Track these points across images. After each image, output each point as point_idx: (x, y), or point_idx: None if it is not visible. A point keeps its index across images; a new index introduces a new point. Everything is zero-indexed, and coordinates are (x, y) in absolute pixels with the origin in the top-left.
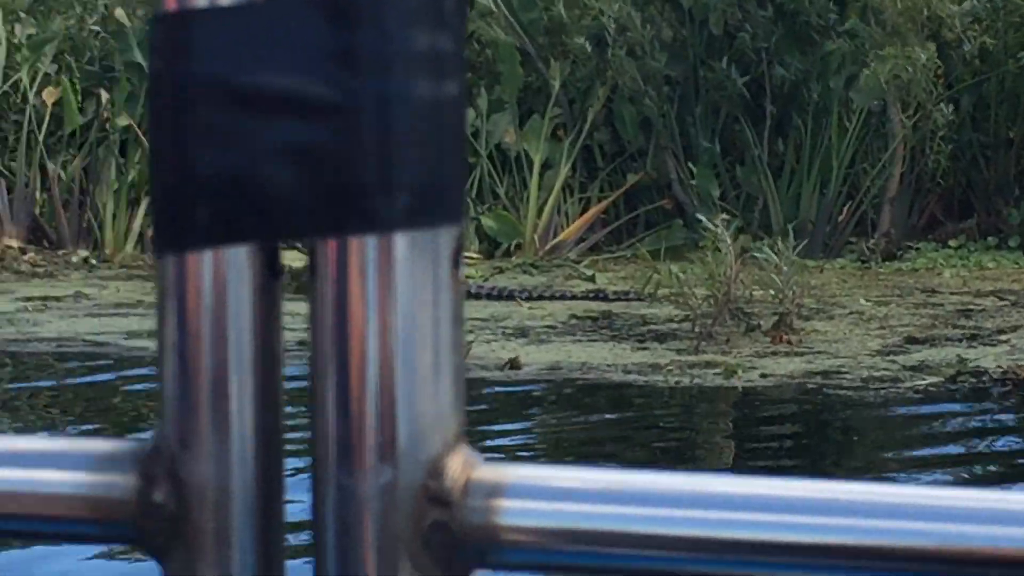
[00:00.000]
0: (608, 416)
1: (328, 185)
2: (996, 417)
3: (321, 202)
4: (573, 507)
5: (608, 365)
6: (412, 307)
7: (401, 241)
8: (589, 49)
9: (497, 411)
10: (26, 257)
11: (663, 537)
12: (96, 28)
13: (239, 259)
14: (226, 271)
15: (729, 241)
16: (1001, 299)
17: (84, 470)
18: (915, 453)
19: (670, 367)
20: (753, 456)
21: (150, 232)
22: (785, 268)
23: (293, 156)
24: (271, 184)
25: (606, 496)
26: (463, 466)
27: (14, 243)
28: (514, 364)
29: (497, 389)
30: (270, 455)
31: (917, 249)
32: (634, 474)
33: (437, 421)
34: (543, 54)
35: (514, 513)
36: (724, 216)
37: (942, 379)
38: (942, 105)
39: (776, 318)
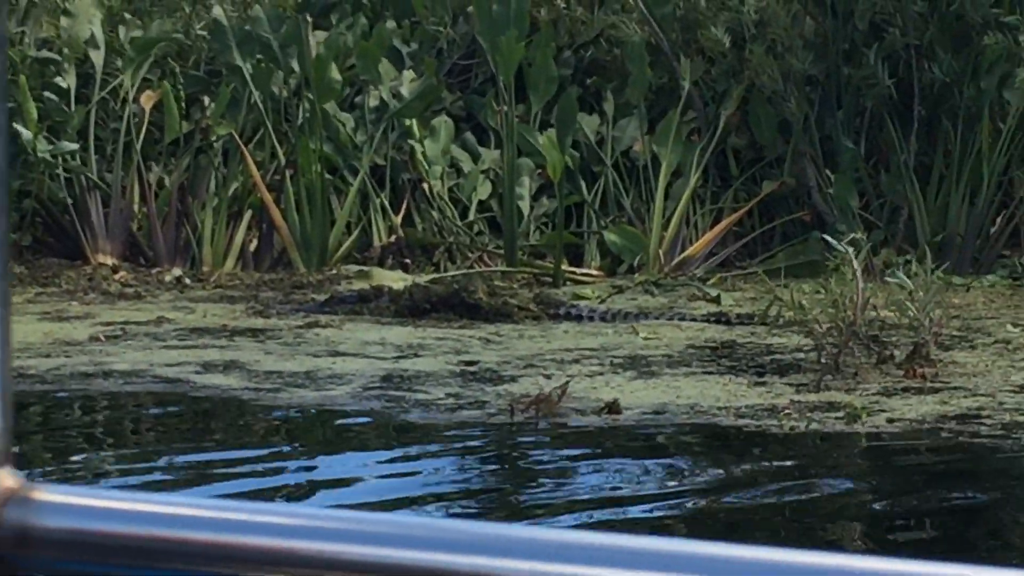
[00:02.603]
0: (701, 479)
1: None
2: None
3: None
4: (100, 524)
5: (719, 408)
6: None
7: None
8: (727, 43)
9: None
10: (117, 276)
11: (178, 550)
12: (203, 32)
13: None
14: None
15: (855, 261)
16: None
17: None
18: None
19: (788, 409)
20: (879, 529)
21: (252, 247)
22: (922, 293)
23: None
24: None
25: (131, 517)
26: (5, 484)
27: (108, 260)
28: (612, 408)
29: (582, 447)
30: None
31: None
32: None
33: None
34: (676, 51)
35: (50, 529)
36: (854, 235)
37: None
38: None
39: (911, 348)
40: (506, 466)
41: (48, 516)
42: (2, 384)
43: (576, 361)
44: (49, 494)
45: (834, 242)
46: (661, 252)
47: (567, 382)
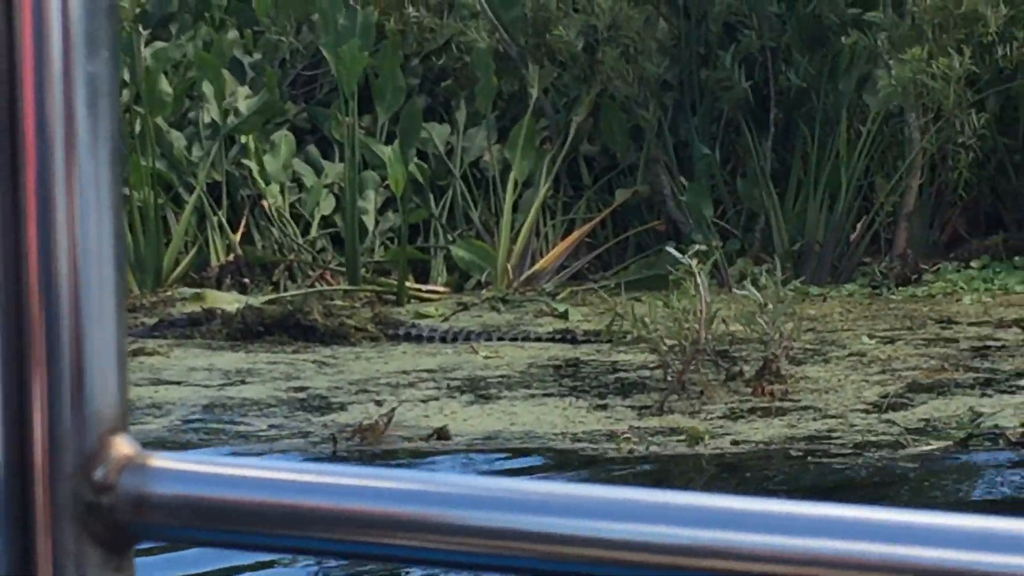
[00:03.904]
0: None
1: None
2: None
3: None
4: (214, 490)
5: (556, 433)
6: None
7: None
8: (578, 47)
9: None
10: None
11: (291, 516)
12: None
13: None
14: None
15: (699, 274)
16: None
17: None
18: None
19: (627, 433)
20: None
21: None
22: (771, 305)
23: None
24: None
25: (244, 483)
26: (122, 452)
27: None
28: (441, 435)
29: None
30: None
31: (936, 271)
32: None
33: (100, 409)
34: (525, 57)
35: (164, 495)
36: (698, 247)
37: (949, 443)
38: (969, 110)
39: (760, 364)
40: None
41: (165, 483)
42: (118, 352)
43: (411, 385)
44: (166, 461)
45: (677, 254)
46: (510, 266)
47: (394, 409)
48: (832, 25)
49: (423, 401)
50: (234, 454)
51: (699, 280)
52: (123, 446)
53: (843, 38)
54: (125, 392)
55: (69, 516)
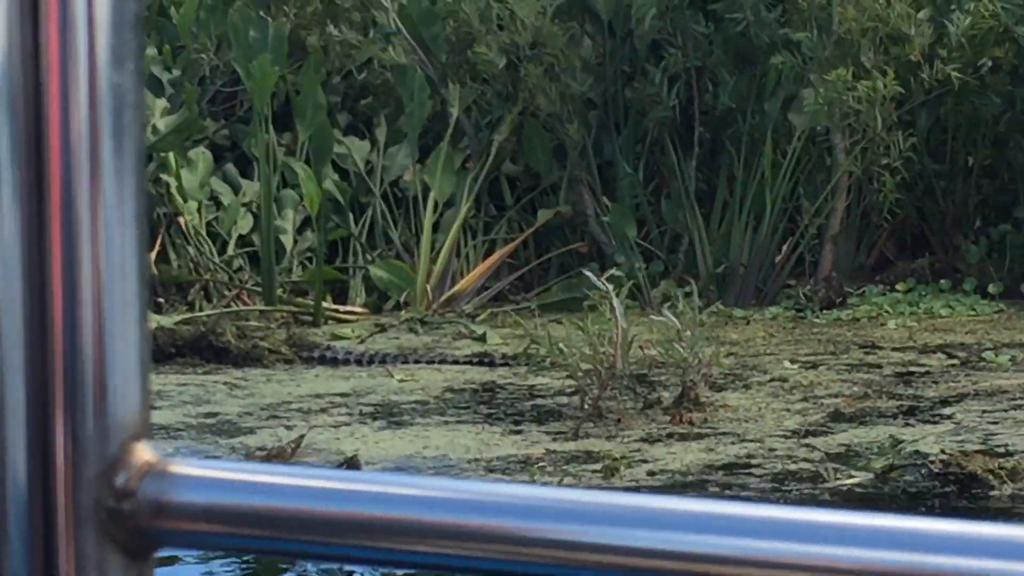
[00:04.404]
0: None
1: None
2: None
3: None
4: (236, 496)
5: (469, 460)
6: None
7: None
8: (501, 65)
9: None
10: None
11: (313, 522)
12: None
13: None
14: None
15: (615, 299)
16: (950, 356)
17: None
18: None
19: (542, 461)
20: None
21: None
22: (689, 332)
23: None
24: None
25: (266, 489)
26: (143, 458)
27: None
28: (351, 463)
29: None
30: None
31: (861, 294)
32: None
33: (122, 415)
34: (446, 75)
35: (185, 502)
36: (613, 271)
37: (870, 475)
38: (896, 132)
39: (679, 391)
40: None
41: (186, 490)
42: (140, 358)
43: (323, 410)
44: (187, 467)
45: (593, 277)
46: (429, 287)
47: (302, 435)
48: (761, 45)
49: (333, 427)
50: (260, 461)
51: (615, 304)
52: (145, 452)
53: (771, 58)
54: (147, 399)
55: (90, 522)
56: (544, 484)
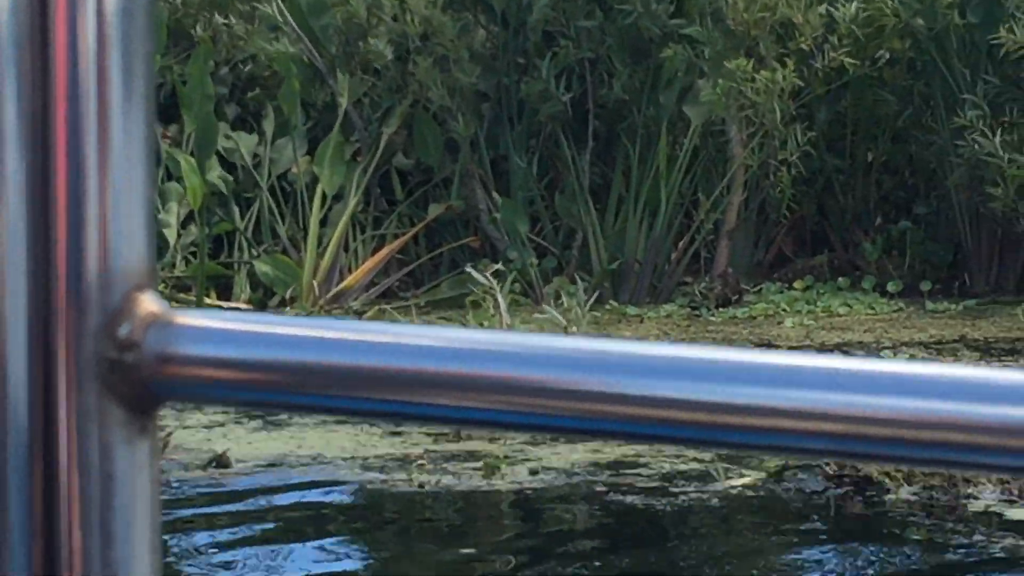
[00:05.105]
0: (309, 544)
1: None
2: (821, 535)
3: None
4: (242, 349)
5: (346, 459)
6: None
7: None
8: (390, 56)
9: (191, 524)
10: None
11: (321, 375)
12: None
13: None
14: None
15: (499, 295)
16: (847, 355)
17: None
18: None
19: (422, 460)
20: None
21: None
22: (575, 328)
23: None
24: None
25: (274, 340)
26: (148, 309)
27: None
28: (221, 462)
29: (197, 491)
30: None
31: (758, 292)
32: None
33: (125, 265)
34: (334, 66)
35: (190, 354)
36: (497, 266)
37: (762, 477)
38: (794, 125)
39: None
40: None
41: (192, 342)
42: (145, 207)
43: (197, 408)
44: (193, 319)
45: (475, 273)
46: (316, 283)
47: (170, 433)
48: (653, 37)
49: (206, 427)
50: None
51: (499, 300)
52: (149, 303)
53: (664, 51)
54: (152, 249)
55: (92, 375)
56: (561, 335)
